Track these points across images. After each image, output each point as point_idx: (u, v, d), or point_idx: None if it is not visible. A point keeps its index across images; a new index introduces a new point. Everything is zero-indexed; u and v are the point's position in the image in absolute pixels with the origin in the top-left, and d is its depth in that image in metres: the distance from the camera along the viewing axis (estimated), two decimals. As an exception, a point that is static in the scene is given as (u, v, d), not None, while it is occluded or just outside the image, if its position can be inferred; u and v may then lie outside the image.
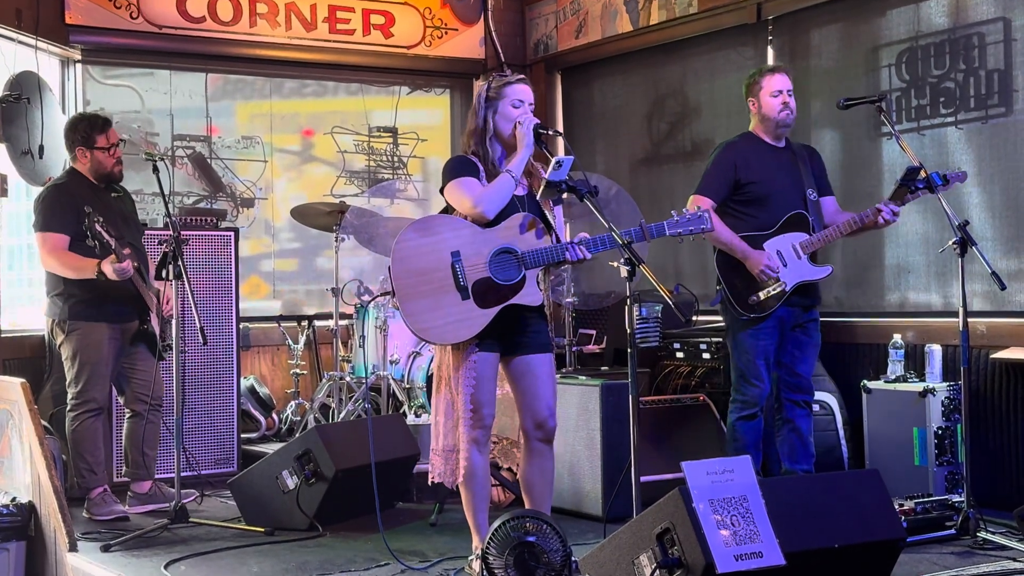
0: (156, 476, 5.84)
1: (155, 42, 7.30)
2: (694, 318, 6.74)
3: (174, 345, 5.26)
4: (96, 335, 5.53)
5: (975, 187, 5.86)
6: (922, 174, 4.89)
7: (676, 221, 4.21)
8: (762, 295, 5.14)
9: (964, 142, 5.93)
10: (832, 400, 6.00)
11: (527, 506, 4.32)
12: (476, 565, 4.18)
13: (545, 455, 4.31)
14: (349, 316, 7.12)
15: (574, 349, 6.71)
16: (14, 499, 5.02)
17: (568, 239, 4.25)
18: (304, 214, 7.13)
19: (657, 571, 3.43)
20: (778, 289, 5.15)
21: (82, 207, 5.30)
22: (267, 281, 7.88)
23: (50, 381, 6.28)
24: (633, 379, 3.91)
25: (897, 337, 5.83)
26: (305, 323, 7.50)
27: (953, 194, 5.50)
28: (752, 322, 5.19)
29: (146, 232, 6.02)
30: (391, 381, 6.63)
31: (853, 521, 3.66)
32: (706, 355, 6.34)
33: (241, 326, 6.81)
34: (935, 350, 5.67)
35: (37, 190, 6.07)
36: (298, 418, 7.12)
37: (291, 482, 5.25)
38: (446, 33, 8.25)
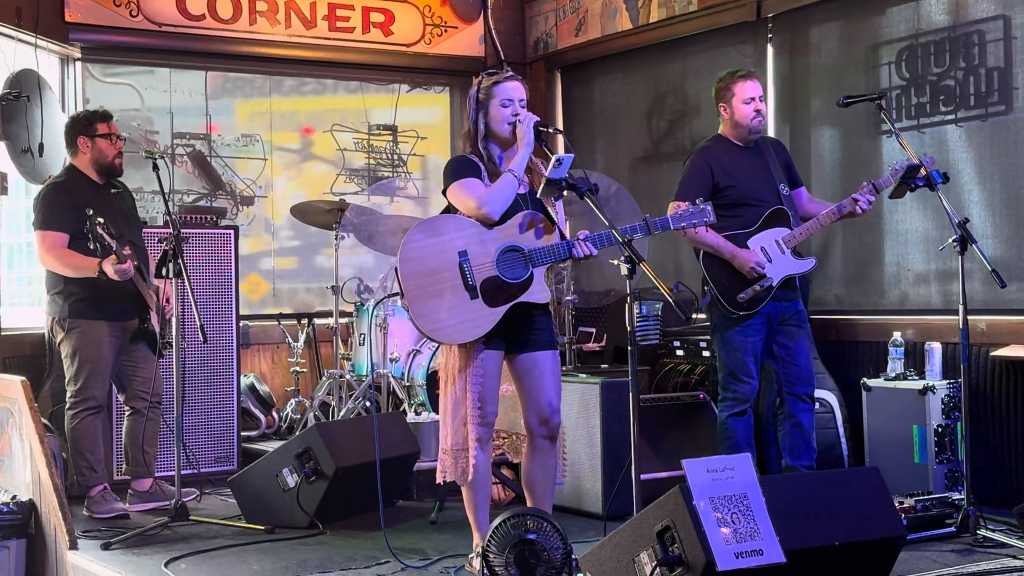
0: (156, 474, 5.83)
1: (155, 40, 7.30)
2: (694, 316, 6.74)
3: (174, 343, 5.26)
4: (96, 333, 5.52)
5: (975, 185, 5.86)
6: (921, 172, 4.89)
7: (680, 215, 4.27)
8: (750, 292, 5.15)
9: (964, 140, 5.93)
10: (832, 398, 6.00)
11: (529, 503, 4.33)
12: (476, 563, 4.18)
13: (548, 452, 4.32)
14: (349, 314, 7.12)
15: (574, 347, 6.71)
16: (14, 497, 5.02)
17: (569, 236, 4.25)
18: (304, 212, 7.13)
19: (657, 569, 3.43)
20: (765, 285, 5.16)
21: (82, 207, 5.30)
22: (267, 279, 7.87)
23: (50, 379, 6.28)
24: (633, 377, 3.92)
25: (897, 335, 5.83)
26: (305, 321, 7.50)
27: (953, 192, 5.51)
28: (741, 319, 5.20)
29: (146, 230, 6.01)
30: (391, 379, 6.62)
31: (853, 519, 3.66)
32: (706, 353, 6.34)
33: (241, 324, 6.82)
34: (935, 348, 5.67)
35: (37, 188, 6.07)
36: (298, 416, 7.12)
37: (291, 480, 5.25)
38: (446, 31, 8.24)
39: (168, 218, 5.49)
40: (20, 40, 6.64)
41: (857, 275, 6.44)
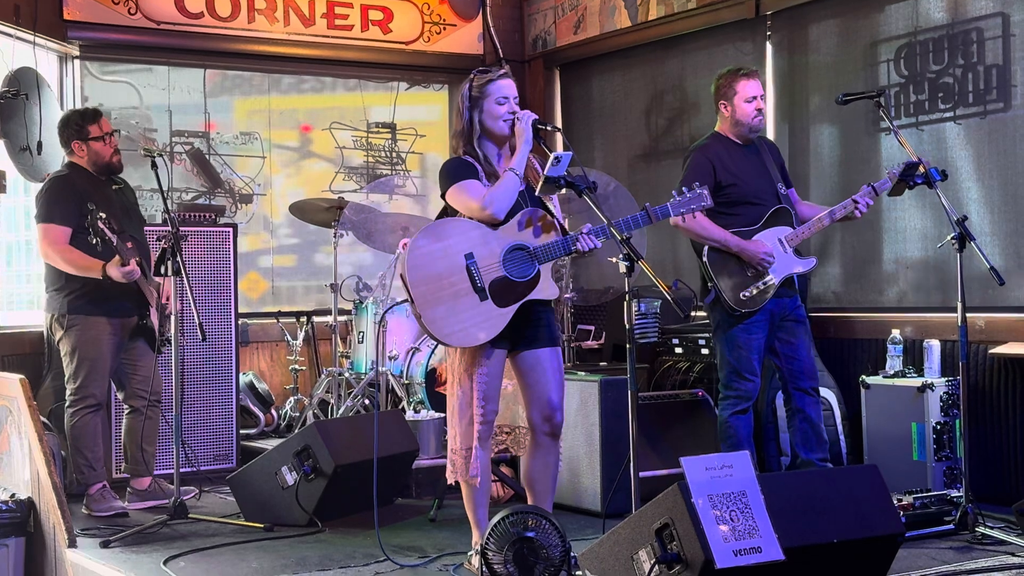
0: (155, 472, 5.83)
1: (153, 38, 7.30)
2: (692, 313, 6.74)
3: (173, 341, 5.26)
4: (95, 330, 5.52)
5: (973, 182, 5.86)
6: (920, 169, 4.89)
7: (678, 202, 4.29)
8: (753, 290, 5.15)
9: (962, 137, 5.93)
10: (831, 395, 6.00)
11: (530, 500, 4.33)
12: (475, 560, 4.19)
13: (550, 449, 4.32)
14: (348, 312, 7.12)
15: (573, 345, 6.71)
16: (13, 495, 5.02)
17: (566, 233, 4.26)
18: (302, 210, 7.13)
19: (656, 566, 3.43)
20: (769, 283, 5.17)
21: (85, 201, 5.30)
22: (265, 277, 7.87)
23: (49, 377, 6.28)
24: (632, 374, 3.92)
25: (896, 332, 5.84)
26: (304, 319, 7.50)
27: (951, 189, 5.51)
28: (744, 317, 5.20)
29: (145, 228, 5.99)
30: (390, 377, 6.63)
31: (852, 516, 3.66)
32: (704, 351, 6.34)
33: (240, 322, 6.82)
34: (934, 345, 5.68)
35: (36, 186, 6.07)
36: (297, 414, 7.12)
37: (290, 478, 5.25)
38: (444, 29, 8.24)
39: (167, 216, 5.49)
40: (18, 38, 6.64)
41: (856, 272, 6.44)
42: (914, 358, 5.82)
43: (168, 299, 5.55)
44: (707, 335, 6.34)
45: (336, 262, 7.00)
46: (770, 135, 6.59)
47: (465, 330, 4.09)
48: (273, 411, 7.27)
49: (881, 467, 3.98)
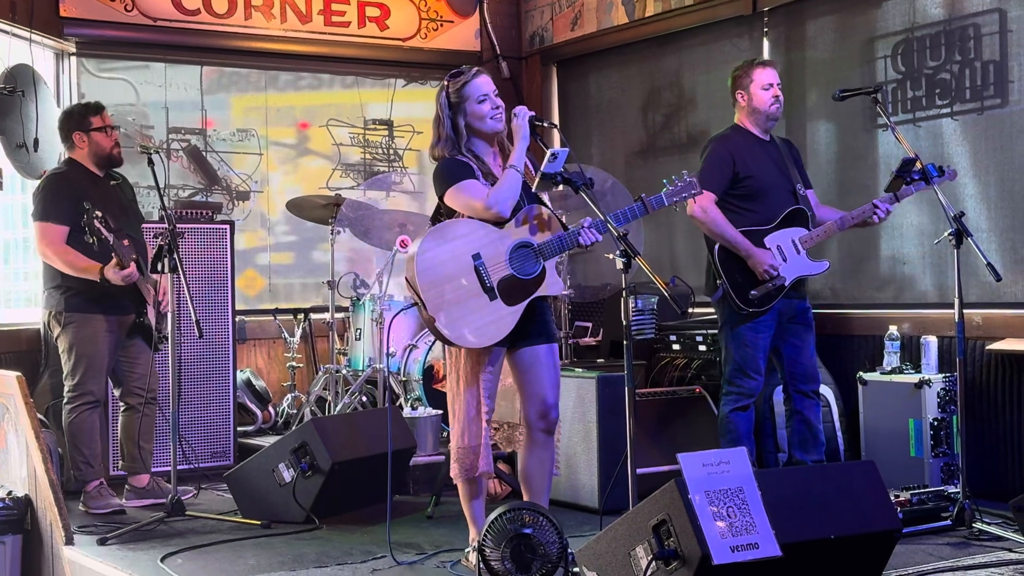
0: (153, 470, 5.83)
1: (150, 35, 7.29)
2: (690, 310, 6.74)
3: (170, 339, 5.26)
4: (93, 327, 5.52)
5: (970, 178, 5.86)
6: (917, 165, 4.89)
7: (671, 191, 4.31)
8: (763, 290, 5.15)
9: (959, 133, 5.93)
10: (828, 392, 6.00)
11: (526, 497, 4.32)
12: (472, 557, 4.18)
13: (546, 446, 4.32)
14: (345, 309, 7.12)
15: (570, 341, 6.71)
16: (10, 493, 5.02)
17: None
18: (300, 207, 7.12)
19: (653, 563, 3.43)
20: (778, 284, 5.16)
21: (81, 200, 5.29)
22: (263, 274, 7.87)
23: (46, 374, 6.28)
24: (629, 371, 3.92)
25: (893, 329, 5.84)
26: (301, 316, 7.50)
27: (948, 185, 5.50)
28: (752, 316, 5.19)
29: (142, 225, 5.99)
30: (387, 374, 6.62)
31: (849, 512, 3.66)
32: (702, 347, 6.34)
33: (237, 319, 6.81)
34: (931, 341, 5.68)
35: (33, 183, 6.06)
36: (294, 411, 7.12)
37: (287, 475, 5.25)
38: (441, 25, 8.24)
39: (163, 213, 5.48)
40: (15, 35, 6.63)
41: (853, 269, 6.44)
42: (911, 354, 5.83)
43: (165, 296, 5.54)
44: (704, 331, 6.35)
45: (333, 259, 6.99)
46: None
47: (478, 330, 4.09)
48: (270, 408, 7.27)
49: (878, 463, 3.98)
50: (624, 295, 3.95)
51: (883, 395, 5.68)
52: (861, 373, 5.82)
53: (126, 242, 5.29)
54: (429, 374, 6.47)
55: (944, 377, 5.55)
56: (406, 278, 4.15)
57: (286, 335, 7.35)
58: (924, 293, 6.11)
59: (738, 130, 5.39)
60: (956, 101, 5.94)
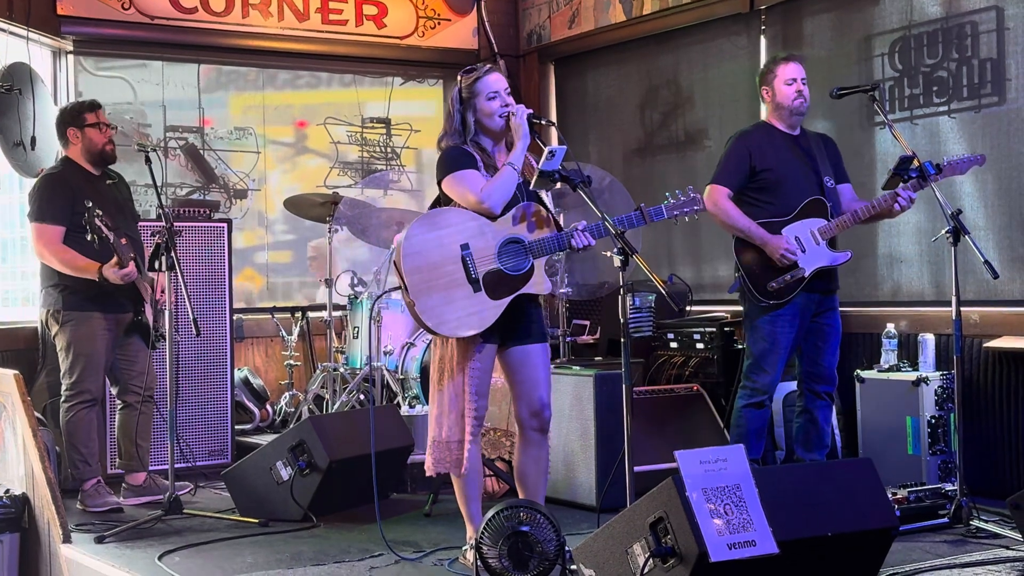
0: (150, 468, 5.83)
1: (147, 33, 7.28)
2: (687, 308, 6.75)
3: (167, 337, 5.26)
4: (90, 326, 5.52)
5: (968, 176, 5.84)
6: (915, 163, 4.89)
7: (672, 204, 4.30)
8: (781, 282, 5.14)
9: (957, 131, 5.93)
10: (826, 389, 6.01)
11: (521, 496, 4.32)
12: (470, 555, 4.19)
13: (540, 445, 4.32)
14: (343, 307, 7.12)
15: (568, 340, 6.71)
16: (8, 491, 5.02)
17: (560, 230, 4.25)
18: (297, 205, 7.12)
19: (650, 560, 3.43)
20: (797, 276, 5.15)
21: (80, 199, 5.29)
22: (261, 272, 7.87)
23: (44, 372, 6.27)
24: (626, 369, 3.92)
25: (890, 326, 5.84)
26: (299, 314, 7.50)
27: (946, 183, 5.51)
28: (770, 308, 5.19)
29: (139, 224, 5.99)
30: (385, 372, 6.62)
31: (846, 510, 3.67)
32: (700, 345, 6.34)
33: (235, 317, 6.81)
34: (928, 339, 5.68)
35: (30, 182, 6.05)
36: (292, 409, 7.12)
37: (285, 473, 5.25)
38: (439, 23, 8.23)
39: (161, 211, 5.48)
40: (12, 33, 6.61)
41: (850, 266, 6.40)
42: (909, 352, 5.83)
43: (163, 294, 5.54)
44: (702, 329, 6.36)
45: (331, 257, 6.99)
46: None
47: (457, 320, 4.09)
48: (268, 406, 7.27)
49: (876, 461, 3.98)
50: (622, 293, 3.96)
51: (880, 393, 5.68)
52: (858, 371, 5.82)
53: (124, 240, 5.29)
54: (426, 372, 6.45)
55: (941, 375, 5.55)
56: (393, 261, 4.16)
57: (284, 333, 7.35)
58: (921, 291, 6.11)
59: (761, 126, 5.41)
60: (953, 99, 5.94)
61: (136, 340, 5.68)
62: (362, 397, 6.72)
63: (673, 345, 6.52)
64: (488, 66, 4.33)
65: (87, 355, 5.52)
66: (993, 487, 5.39)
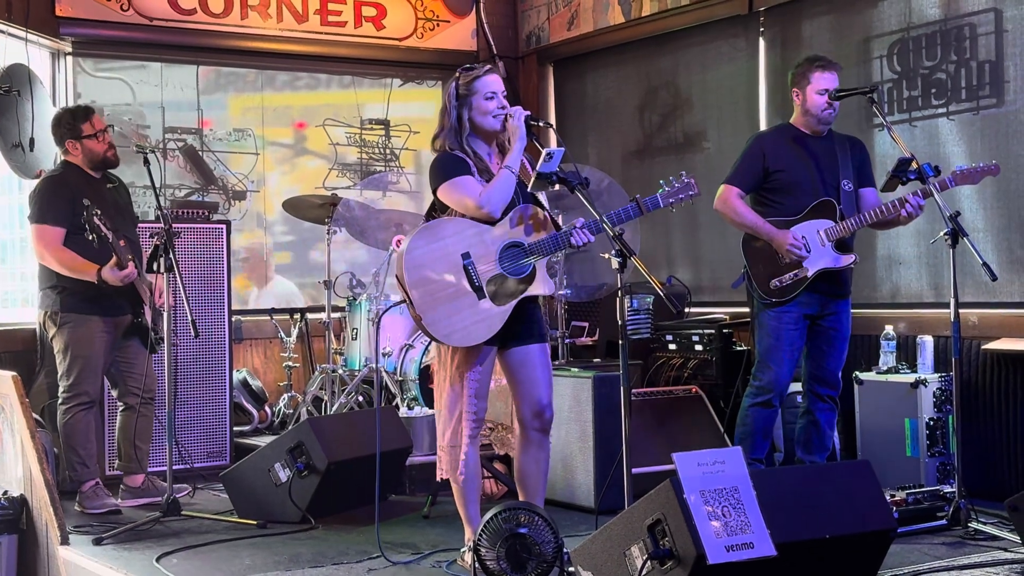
0: (148, 469, 5.83)
1: (146, 34, 7.28)
2: (686, 310, 6.74)
3: (166, 338, 5.25)
4: (88, 328, 5.52)
5: (967, 178, 5.86)
6: (913, 165, 4.89)
7: (667, 192, 4.31)
8: (785, 280, 5.15)
9: (955, 133, 5.93)
10: (824, 391, 6.00)
11: (521, 497, 4.32)
12: (468, 557, 4.18)
13: (541, 445, 4.32)
14: (341, 309, 7.12)
15: (567, 341, 6.71)
16: (6, 492, 5.02)
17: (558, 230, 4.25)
18: (296, 207, 7.12)
19: (648, 562, 3.43)
20: (799, 275, 5.15)
21: (79, 199, 5.29)
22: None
23: (42, 374, 6.27)
24: (625, 371, 3.91)
25: (889, 328, 5.84)
26: (298, 316, 7.50)
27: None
28: (774, 305, 5.20)
29: (138, 225, 5.99)
30: (384, 374, 6.62)
31: (844, 512, 3.67)
32: (698, 347, 6.34)
33: (233, 319, 6.80)
34: (927, 341, 5.68)
35: (29, 183, 6.05)
36: (291, 411, 7.11)
37: (283, 475, 5.25)
38: (438, 25, 8.24)
39: (159, 213, 5.48)
40: (10, 34, 6.61)
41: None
42: (907, 354, 5.83)
43: (162, 295, 5.54)
44: (700, 331, 6.37)
45: (329, 259, 6.99)
46: (764, 131, 6.58)
47: (465, 329, 4.09)
48: (267, 408, 7.27)
49: (874, 463, 3.98)
50: (620, 295, 3.95)
51: (879, 395, 5.68)
52: (857, 373, 5.82)
53: (123, 242, 5.29)
54: (425, 374, 6.46)
55: (940, 377, 5.55)
56: (396, 276, 4.15)
57: (282, 335, 7.34)
58: (920, 293, 6.11)
59: (784, 127, 5.42)
60: (952, 101, 5.94)
61: (135, 342, 5.68)
62: (361, 399, 6.71)
63: (672, 347, 6.52)
64: (488, 66, 4.33)
65: (85, 357, 5.52)
66: (992, 489, 5.38)
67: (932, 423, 5.48)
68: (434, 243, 4.13)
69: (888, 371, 5.73)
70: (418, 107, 8.40)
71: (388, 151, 8.33)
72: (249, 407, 7.14)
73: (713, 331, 6.31)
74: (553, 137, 6.92)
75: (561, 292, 6.59)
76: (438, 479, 4.36)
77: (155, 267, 5.18)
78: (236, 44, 7.60)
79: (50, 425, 5.87)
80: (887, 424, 5.61)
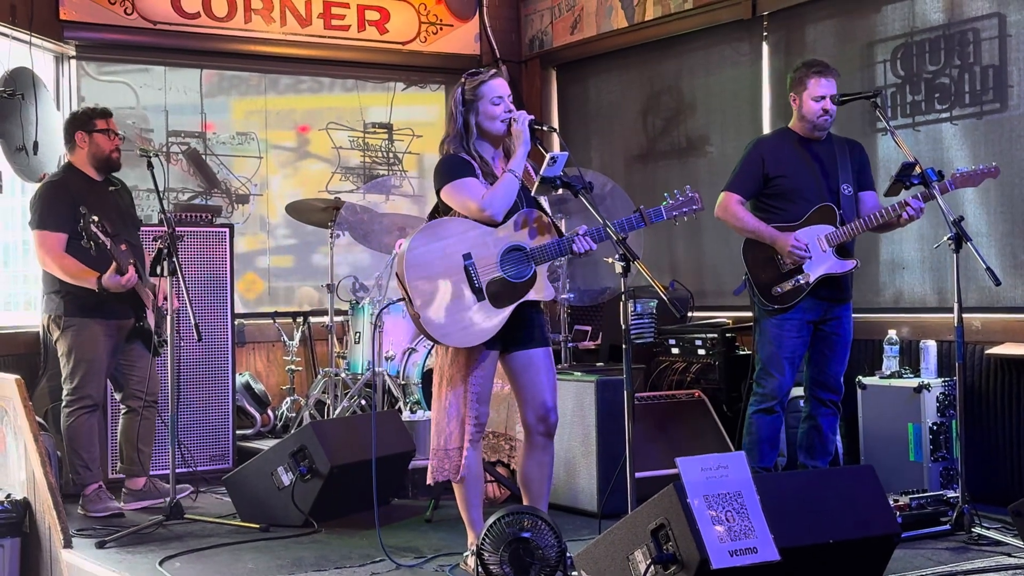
0: (151, 473, 5.83)
1: (150, 38, 7.29)
2: (689, 314, 6.74)
3: (169, 342, 5.26)
4: (92, 332, 5.52)
5: (970, 182, 5.85)
6: (917, 170, 4.89)
7: (671, 205, 4.29)
8: (786, 287, 5.15)
9: (959, 138, 5.93)
10: (827, 396, 6.00)
11: (525, 501, 4.32)
12: (471, 561, 4.18)
13: (546, 449, 4.31)
14: (344, 312, 7.12)
15: (570, 345, 6.71)
16: (9, 496, 5.02)
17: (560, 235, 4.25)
18: (299, 210, 7.12)
19: (652, 567, 3.43)
20: (800, 282, 5.15)
21: (78, 205, 5.29)
22: (262, 277, 7.87)
23: (45, 377, 6.27)
24: (628, 375, 3.91)
25: (892, 333, 5.84)
26: (300, 319, 7.50)
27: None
28: (776, 312, 5.20)
29: (141, 228, 5.99)
30: (386, 377, 6.62)
31: (848, 517, 3.66)
32: (701, 351, 6.34)
33: (236, 322, 6.81)
34: (930, 346, 5.67)
35: (32, 186, 6.05)
36: (293, 414, 7.12)
37: (286, 478, 5.25)
38: (441, 29, 8.24)
39: (163, 216, 5.48)
40: (14, 38, 6.63)
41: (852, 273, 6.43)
42: (910, 359, 5.82)
43: (164, 300, 5.55)
44: (703, 336, 6.36)
45: (332, 262, 6.99)
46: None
47: (463, 330, 4.09)
48: (269, 411, 7.27)
49: (877, 468, 3.98)
50: (623, 299, 3.95)
51: (882, 399, 5.68)
52: (860, 377, 5.81)
53: (123, 247, 5.29)
54: (428, 378, 6.46)
55: (943, 381, 5.54)
56: (396, 274, 4.16)
57: (285, 338, 7.35)
58: (923, 297, 6.11)
59: (783, 132, 5.41)
60: (955, 106, 5.94)
61: (138, 346, 5.68)
62: (363, 403, 6.71)
63: (675, 351, 6.52)
64: (493, 71, 4.33)
65: (88, 361, 5.52)
66: (995, 494, 5.37)
67: (935, 428, 5.47)
68: (436, 242, 4.13)
69: (891, 376, 5.73)
70: (421, 111, 8.41)
71: (391, 155, 8.33)
72: (252, 410, 7.14)
73: (716, 335, 6.31)
74: (557, 141, 6.97)
75: (564, 296, 6.59)
76: (429, 483, 4.35)
77: (159, 270, 5.18)
78: (239, 48, 7.61)
79: (53, 428, 5.87)
80: (890, 429, 5.60)
